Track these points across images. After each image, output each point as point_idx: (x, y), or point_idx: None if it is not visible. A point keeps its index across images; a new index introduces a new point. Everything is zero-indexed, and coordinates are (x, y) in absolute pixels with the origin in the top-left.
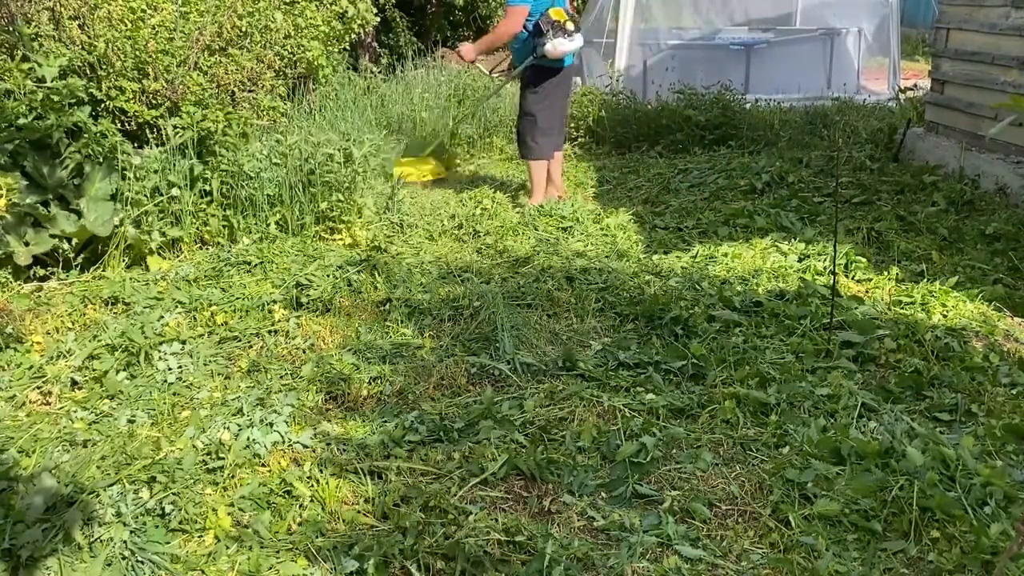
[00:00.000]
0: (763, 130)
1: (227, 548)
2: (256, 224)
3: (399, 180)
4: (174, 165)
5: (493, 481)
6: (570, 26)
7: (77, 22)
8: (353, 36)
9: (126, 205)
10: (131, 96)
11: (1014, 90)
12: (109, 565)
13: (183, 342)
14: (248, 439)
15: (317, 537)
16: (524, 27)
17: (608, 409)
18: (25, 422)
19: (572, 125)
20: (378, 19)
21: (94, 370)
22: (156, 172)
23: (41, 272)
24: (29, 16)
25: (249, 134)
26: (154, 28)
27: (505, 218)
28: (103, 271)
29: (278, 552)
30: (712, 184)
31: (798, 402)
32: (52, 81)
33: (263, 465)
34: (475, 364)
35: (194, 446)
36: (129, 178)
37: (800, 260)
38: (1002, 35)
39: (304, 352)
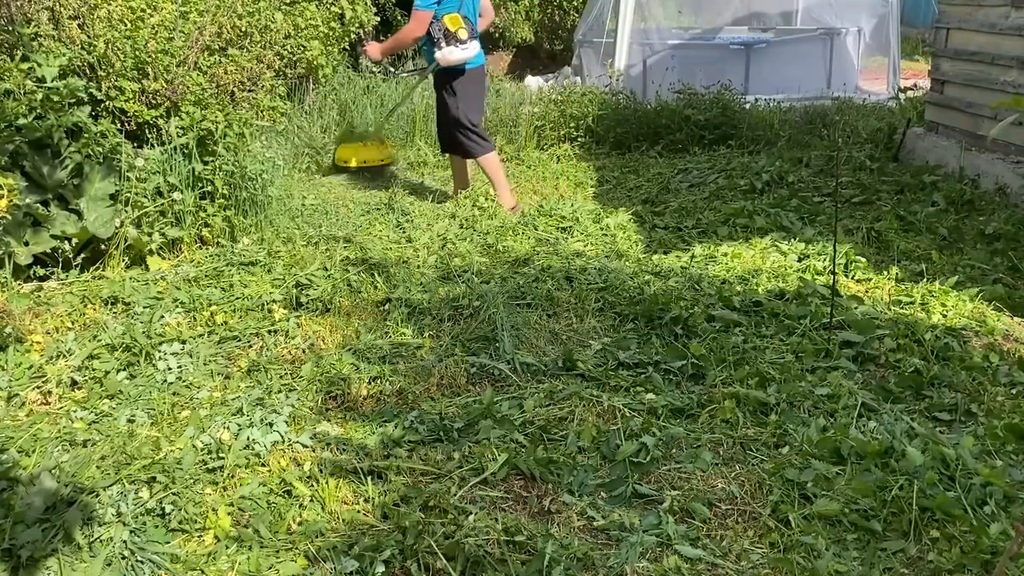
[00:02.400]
0: (763, 130)
1: (227, 548)
2: (257, 224)
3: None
4: (173, 167)
5: (493, 481)
6: (463, 34)
7: (77, 22)
8: (352, 36)
9: (126, 206)
10: (131, 96)
11: (1014, 90)
12: (109, 565)
13: (183, 342)
14: (248, 439)
15: (317, 537)
16: (429, 31)
17: (608, 409)
18: (25, 422)
19: (572, 125)
20: (378, 19)
21: (94, 370)
22: (156, 173)
23: (41, 272)
24: (29, 16)
25: (248, 134)
26: (154, 28)
27: (505, 218)
28: (103, 271)
29: (278, 552)
30: (712, 184)
31: (798, 402)
32: (52, 81)
33: (263, 465)
34: (475, 364)
35: (194, 446)
36: (130, 179)
37: (800, 260)
38: (1002, 35)
39: (304, 352)
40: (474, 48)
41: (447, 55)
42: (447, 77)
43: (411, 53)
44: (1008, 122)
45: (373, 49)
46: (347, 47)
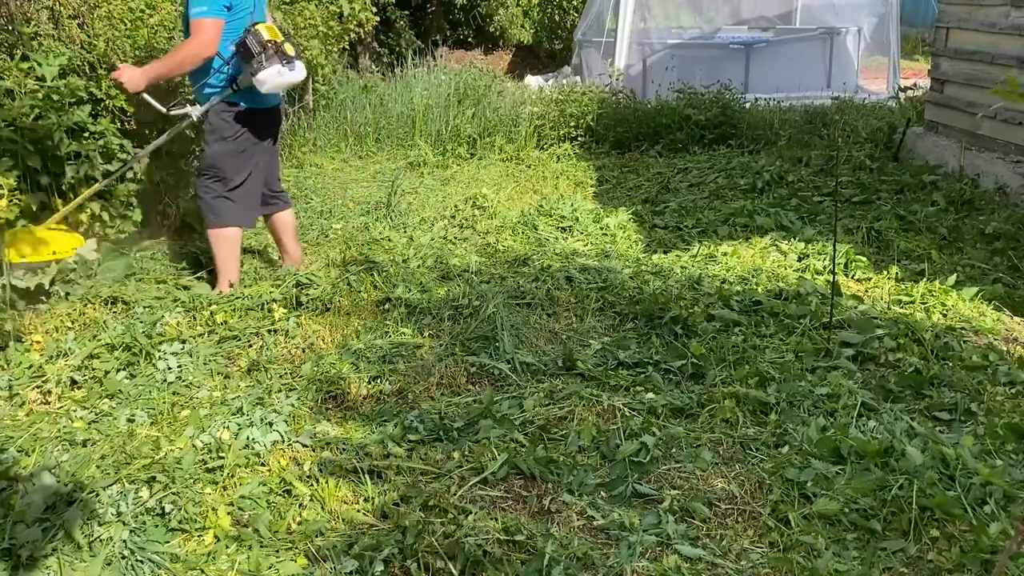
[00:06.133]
0: (763, 129)
1: (227, 547)
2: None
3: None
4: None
5: (493, 480)
6: (290, 50)
7: (76, 21)
8: (352, 36)
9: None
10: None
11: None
12: (109, 564)
13: (183, 341)
14: (248, 438)
15: (317, 536)
16: (242, 45)
17: (608, 408)
18: (25, 421)
19: (572, 124)
20: (377, 19)
21: (94, 369)
22: None
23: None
24: (29, 15)
25: None
26: (153, 27)
27: (505, 218)
28: None
29: (278, 551)
30: (712, 183)
31: (798, 401)
32: (52, 80)
33: (263, 464)
34: (475, 363)
35: (194, 445)
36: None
37: (800, 259)
38: (1002, 34)
39: (304, 351)
40: (302, 71)
41: (273, 77)
42: (236, 116)
43: (411, 53)
44: (1000, 105)
45: (132, 76)
46: (347, 46)
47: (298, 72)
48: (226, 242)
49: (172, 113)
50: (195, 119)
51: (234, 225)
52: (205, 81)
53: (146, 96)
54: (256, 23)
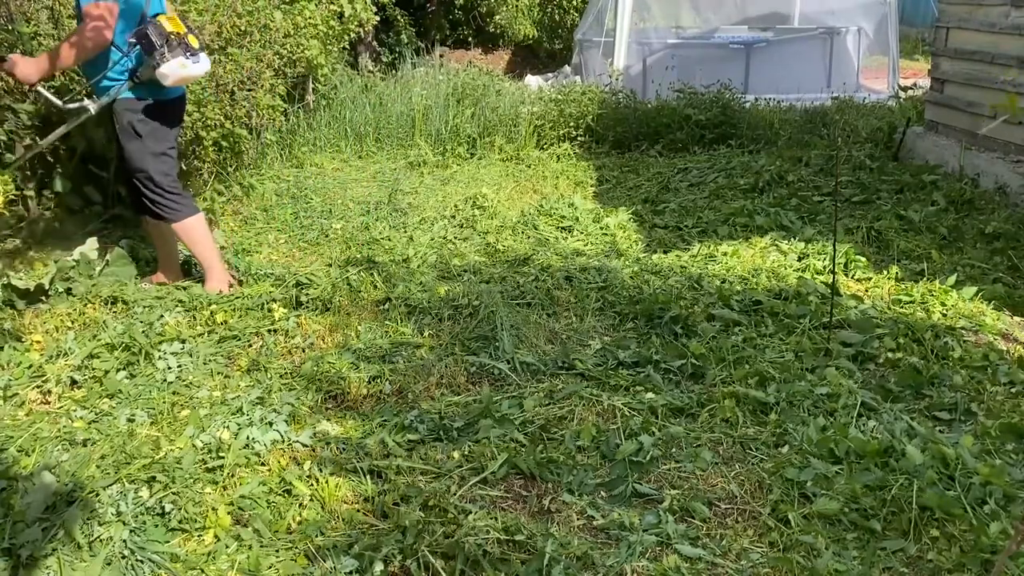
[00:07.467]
0: (763, 129)
1: (227, 547)
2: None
3: None
4: None
5: (493, 480)
6: (194, 42)
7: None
8: (352, 35)
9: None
10: None
11: (1014, 89)
12: (109, 564)
13: (183, 341)
14: (248, 438)
15: (317, 536)
16: (144, 37)
17: (607, 408)
18: (25, 421)
19: (572, 124)
20: (378, 18)
21: (94, 369)
22: None
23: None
24: (29, 15)
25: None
26: None
27: (505, 217)
28: None
29: (278, 551)
30: (712, 183)
31: (797, 401)
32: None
33: (263, 464)
34: (474, 363)
35: (194, 445)
36: None
37: (800, 259)
38: (1002, 34)
39: (303, 351)
40: (206, 63)
41: (177, 70)
42: (130, 110)
43: (410, 53)
44: (1000, 121)
45: (24, 67)
46: (347, 46)
47: (202, 65)
48: (193, 231)
49: (68, 108)
50: (92, 112)
51: (191, 215)
52: (104, 74)
53: (41, 89)
54: (156, 15)
